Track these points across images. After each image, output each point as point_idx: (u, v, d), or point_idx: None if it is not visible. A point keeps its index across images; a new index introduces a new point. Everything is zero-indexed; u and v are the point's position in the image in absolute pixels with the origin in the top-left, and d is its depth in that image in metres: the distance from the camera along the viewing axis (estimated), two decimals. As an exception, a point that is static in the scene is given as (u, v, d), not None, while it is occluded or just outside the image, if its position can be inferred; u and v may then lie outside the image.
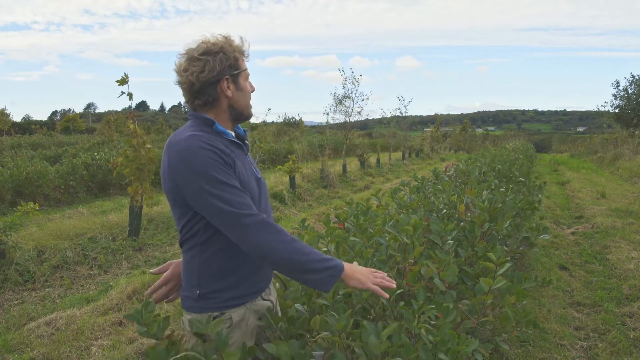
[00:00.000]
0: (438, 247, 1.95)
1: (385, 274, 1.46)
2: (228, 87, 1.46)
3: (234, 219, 1.31)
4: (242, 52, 1.51)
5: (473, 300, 1.59)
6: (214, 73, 1.42)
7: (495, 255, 1.55)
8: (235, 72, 1.47)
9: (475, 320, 1.53)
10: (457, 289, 1.75)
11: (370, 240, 2.01)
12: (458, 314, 1.56)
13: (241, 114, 1.53)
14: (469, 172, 4.46)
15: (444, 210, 2.65)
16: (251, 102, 1.57)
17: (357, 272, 1.39)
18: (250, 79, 1.56)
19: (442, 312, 1.33)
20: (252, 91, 1.56)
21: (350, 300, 1.63)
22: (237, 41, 1.49)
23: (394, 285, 1.41)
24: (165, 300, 1.58)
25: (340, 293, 1.55)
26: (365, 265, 1.71)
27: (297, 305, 1.53)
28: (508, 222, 2.46)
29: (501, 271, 1.53)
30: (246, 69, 1.52)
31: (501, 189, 3.47)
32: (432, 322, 1.34)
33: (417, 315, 1.31)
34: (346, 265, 1.39)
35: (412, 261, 1.82)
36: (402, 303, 1.42)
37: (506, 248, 2.52)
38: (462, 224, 2.40)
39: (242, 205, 1.32)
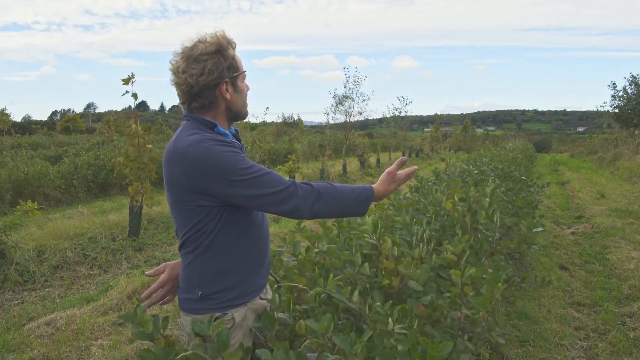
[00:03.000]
0: (417, 245, 1.95)
1: (404, 172, 1.61)
2: (227, 90, 1.44)
3: (275, 197, 1.36)
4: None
5: (453, 290, 1.56)
6: (213, 76, 1.40)
7: (452, 245, 1.53)
8: (235, 74, 1.45)
9: (462, 316, 1.51)
10: (436, 284, 1.73)
11: (353, 240, 2.00)
12: (439, 309, 1.54)
13: (238, 115, 1.53)
14: (468, 171, 4.47)
15: (430, 207, 2.67)
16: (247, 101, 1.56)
17: (384, 186, 1.56)
18: (249, 78, 1.55)
19: (409, 311, 1.31)
20: (247, 90, 1.56)
21: (332, 302, 1.62)
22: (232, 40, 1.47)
23: (415, 167, 1.66)
24: (160, 303, 1.57)
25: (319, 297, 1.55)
26: (343, 267, 1.74)
27: (280, 314, 1.52)
28: (488, 212, 2.46)
29: (465, 258, 1.51)
30: (245, 71, 1.51)
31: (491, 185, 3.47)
32: (401, 326, 1.31)
33: (390, 319, 1.29)
34: (375, 187, 1.54)
35: (387, 255, 1.80)
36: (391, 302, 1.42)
37: (490, 239, 2.52)
38: (445, 218, 2.42)
39: (273, 183, 1.37)
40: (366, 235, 1.86)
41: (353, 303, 1.45)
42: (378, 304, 1.38)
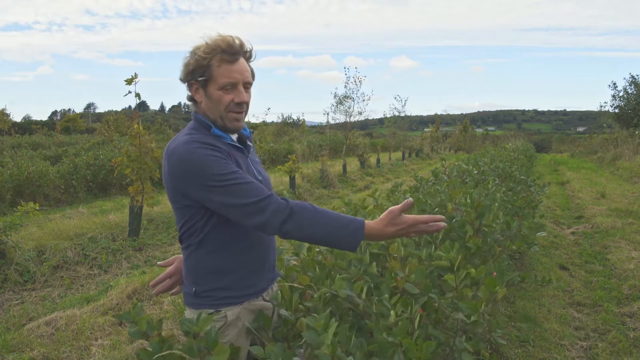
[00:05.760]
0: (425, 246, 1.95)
1: (413, 218, 1.35)
2: (197, 92, 1.44)
3: (246, 209, 1.31)
4: (224, 59, 1.38)
5: (452, 294, 1.56)
6: (182, 75, 1.45)
7: (445, 250, 1.47)
8: (200, 78, 1.39)
9: (460, 318, 1.51)
10: (438, 285, 1.73)
11: None
12: (440, 311, 1.55)
13: (214, 123, 1.43)
14: (468, 171, 4.46)
15: (436, 209, 2.66)
16: (237, 114, 1.42)
17: (379, 225, 1.34)
18: None
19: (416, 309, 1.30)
20: (241, 102, 1.41)
21: (336, 301, 1.62)
22: (225, 43, 1.38)
23: (444, 225, 1.38)
24: (170, 293, 1.62)
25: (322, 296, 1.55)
26: (348, 267, 1.69)
27: (282, 311, 1.52)
28: (492, 214, 2.46)
29: (457, 264, 1.48)
30: (203, 78, 1.39)
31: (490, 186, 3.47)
32: (401, 317, 1.31)
33: (392, 311, 1.30)
34: (369, 223, 1.33)
35: (394, 256, 1.80)
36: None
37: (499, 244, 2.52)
38: (453, 221, 2.42)
39: (248, 194, 1.31)
40: None
41: (361, 299, 1.45)
42: (386, 296, 1.37)
